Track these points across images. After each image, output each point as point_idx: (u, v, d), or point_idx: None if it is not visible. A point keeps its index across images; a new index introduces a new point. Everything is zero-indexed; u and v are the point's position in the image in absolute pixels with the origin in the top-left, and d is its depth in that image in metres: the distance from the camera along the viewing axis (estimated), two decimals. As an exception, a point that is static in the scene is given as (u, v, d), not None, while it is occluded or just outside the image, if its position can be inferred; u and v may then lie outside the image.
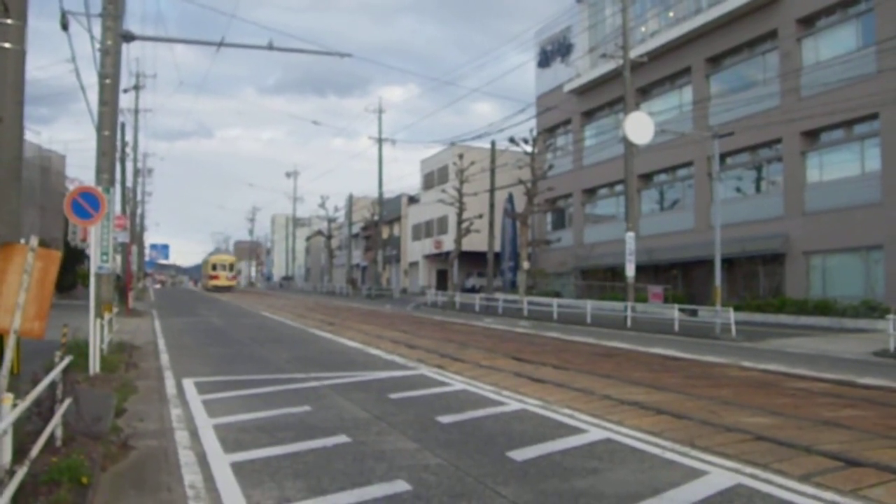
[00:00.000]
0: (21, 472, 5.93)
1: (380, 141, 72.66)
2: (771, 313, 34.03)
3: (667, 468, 8.14)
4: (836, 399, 12.87)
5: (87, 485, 6.84)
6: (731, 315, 27.40)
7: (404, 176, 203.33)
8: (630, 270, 34.16)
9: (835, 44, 36.54)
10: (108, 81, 20.24)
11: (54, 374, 7.88)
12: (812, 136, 37.30)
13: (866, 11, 34.65)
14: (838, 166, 36.49)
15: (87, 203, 13.72)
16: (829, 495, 7.13)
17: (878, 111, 32.88)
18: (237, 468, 7.99)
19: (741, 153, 41.24)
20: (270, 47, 24.13)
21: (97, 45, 20.53)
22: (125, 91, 51.54)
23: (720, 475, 7.81)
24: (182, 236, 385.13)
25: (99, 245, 16.26)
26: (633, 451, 8.93)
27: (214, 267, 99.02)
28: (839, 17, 36.35)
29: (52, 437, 7.75)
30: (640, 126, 28.18)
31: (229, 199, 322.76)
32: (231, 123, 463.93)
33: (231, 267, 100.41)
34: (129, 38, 22.62)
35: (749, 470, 8.01)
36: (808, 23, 37.73)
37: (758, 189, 41.68)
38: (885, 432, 9.93)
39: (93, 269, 15.07)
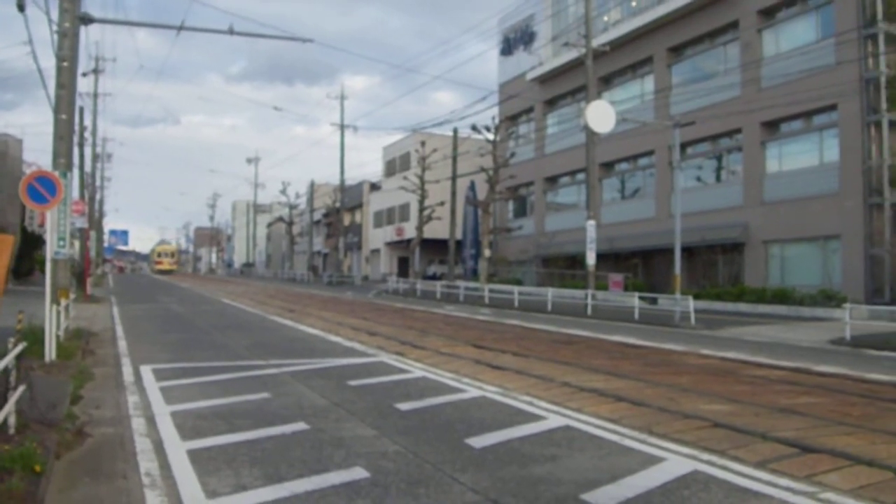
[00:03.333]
0: (-28, 460, 5.85)
1: (342, 127, 72.43)
2: (730, 301, 34.33)
3: (625, 455, 8.17)
4: (792, 386, 12.98)
5: (40, 473, 6.75)
6: (691, 303, 27.58)
7: (366, 163, 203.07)
8: (591, 258, 34.31)
9: (795, 35, 36.87)
10: (65, 64, 20.00)
11: (7, 360, 7.77)
12: (772, 126, 37.63)
13: (825, 3, 34.96)
14: (797, 157, 36.85)
15: (44, 188, 13.53)
16: (784, 481, 7.19)
17: (837, 102, 33.22)
18: (194, 456, 7.92)
19: (702, 142, 41.53)
20: (231, 32, 23.91)
21: (55, 28, 20.28)
22: (84, 75, 51.15)
23: (677, 462, 7.85)
24: (143, 222, 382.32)
25: (56, 230, 16.08)
26: (591, 437, 8.96)
27: (159, 255, 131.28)
28: (799, 9, 36.67)
29: (4, 424, 7.66)
30: (601, 115, 28.24)
31: (191, 185, 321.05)
32: (197, 110, 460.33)
33: (172, 254, 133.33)
34: (87, 20, 22.34)
35: (706, 456, 8.06)
36: (768, 14, 38.02)
37: (718, 178, 42.01)
38: (840, 419, 10.03)
39: (49, 255, 14.87)
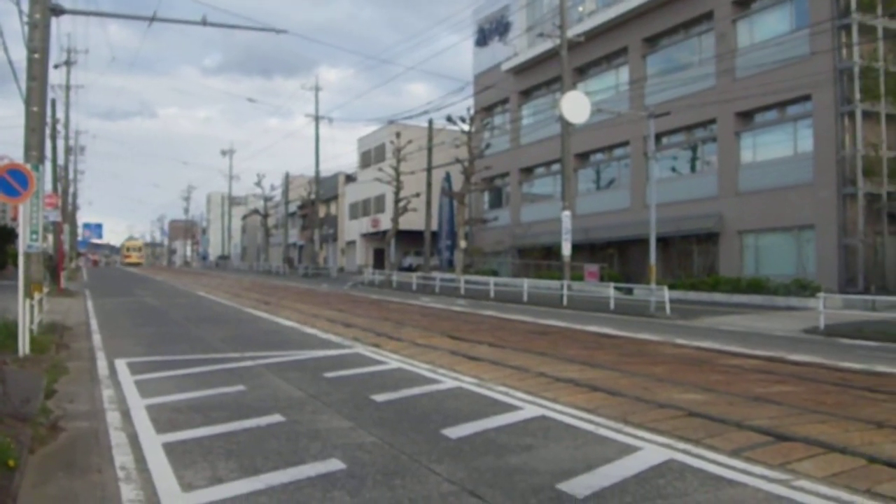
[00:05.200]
0: (-56, 455, 5.80)
1: (316, 118, 72.31)
2: (705, 291, 34.45)
3: (600, 444, 8.19)
4: (767, 375, 13.06)
5: (13, 467, 6.70)
6: (666, 293, 27.67)
7: (341, 154, 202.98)
8: (566, 249, 34.35)
9: (769, 26, 37.05)
10: (36, 56, 19.83)
11: (-20, 354, 7.72)
12: (746, 116, 37.81)
13: (799, -6, 35.13)
14: (771, 147, 37.06)
15: (16, 180, 13.44)
16: (758, 469, 7.23)
17: (811, 93, 33.41)
18: (169, 449, 7.88)
19: (677, 133, 41.69)
20: (204, 23, 23.79)
21: (25, 19, 20.10)
22: (56, 67, 50.75)
23: (653, 451, 7.88)
24: (117, 215, 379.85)
25: (28, 224, 15.94)
26: (567, 427, 8.97)
27: (128, 249, 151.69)
28: (773, 0, 36.76)
29: (-23, 418, 7.60)
30: (576, 105, 28.30)
31: (165, 177, 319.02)
32: (171, 103, 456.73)
33: (139, 249, 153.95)
34: (58, 11, 22.14)
35: (681, 445, 8.09)
36: (743, 5, 38.19)
37: (693, 169, 42.19)
38: (814, 407, 10.09)
39: (21, 249, 14.79)
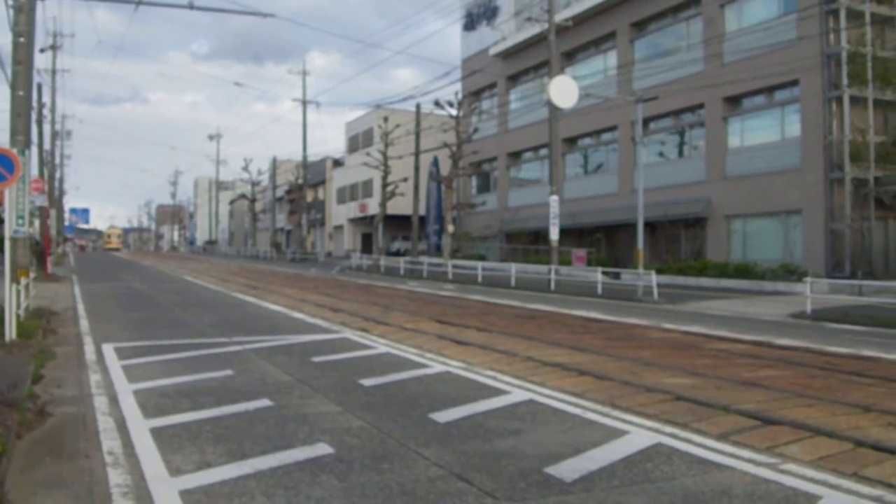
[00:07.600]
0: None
1: (304, 102, 72.07)
2: (692, 276, 34.55)
3: (588, 428, 8.21)
4: (754, 360, 13.09)
5: (1, 453, 6.68)
6: (654, 278, 27.72)
7: (329, 139, 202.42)
8: (554, 234, 34.34)
9: (757, 11, 37.00)
10: (21, 40, 19.70)
11: (-34, 339, 7.68)
12: (734, 101, 37.82)
13: (787, -22, 35.11)
14: (759, 132, 37.07)
15: (1, 165, 13.41)
16: (746, 453, 7.25)
17: (799, 78, 33.41)
18: (157, 433, 7.87)
19: (664, 118, 41.68)
20: (191, 6, 23.68)
21: (10, 2, 19.98)
22: (42, 51, 50.42)
23: (640, 435, 7.90)
24: (105, 200, 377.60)
25: (14, 208, 15.86)
26: (554, 411, 8.99)
27: (109, 236, 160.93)
28: (761, -16, 36.78)
29: (-36, 403, 7.57)
30: (564, 90, 28.25)
31: (153, 162, 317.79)
32: (159, 88, 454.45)
33: (119, 235, 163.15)
34: (44, -6, 22.03)
35: (669, 429, 8.12)
36: (730, -11, 38.12)
37: (680, 154, 42.19)
38: (801, 391, 10.13)
39: (8, 234, 14.73)
